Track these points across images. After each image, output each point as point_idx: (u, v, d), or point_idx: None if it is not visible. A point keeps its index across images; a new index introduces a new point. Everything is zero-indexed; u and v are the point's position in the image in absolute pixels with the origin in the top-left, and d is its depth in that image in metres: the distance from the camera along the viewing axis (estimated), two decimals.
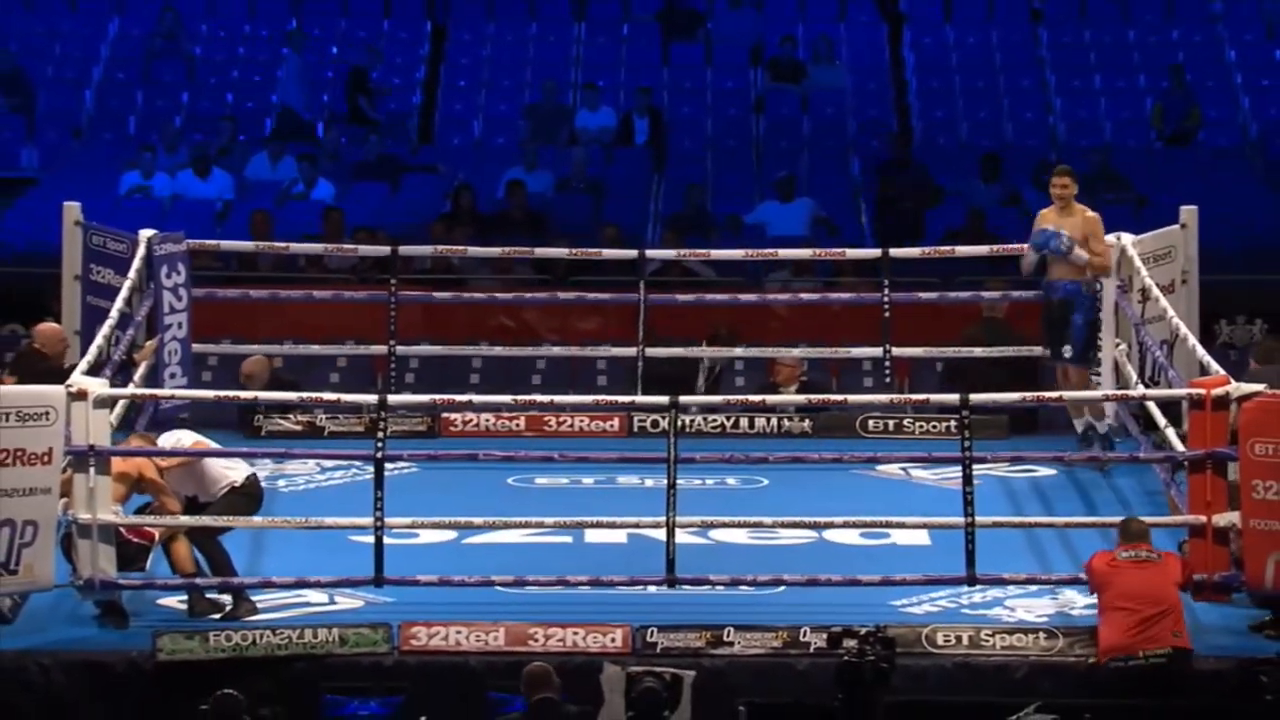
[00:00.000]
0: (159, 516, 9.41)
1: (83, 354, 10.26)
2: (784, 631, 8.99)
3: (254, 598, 9.46)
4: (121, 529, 9.29)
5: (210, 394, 9.85)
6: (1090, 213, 11.32)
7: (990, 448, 11.06)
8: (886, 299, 12.15)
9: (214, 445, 9.78)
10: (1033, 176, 17.26)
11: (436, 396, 10.44)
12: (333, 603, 9.52)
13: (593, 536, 10.16)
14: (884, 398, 11.01)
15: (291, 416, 12.14)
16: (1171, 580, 8.90)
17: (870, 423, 12.14)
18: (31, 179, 17.49)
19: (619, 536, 10.10)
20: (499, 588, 9.40)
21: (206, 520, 9.47)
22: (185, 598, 9.43)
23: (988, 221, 16.03)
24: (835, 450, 11.10)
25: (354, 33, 19.31)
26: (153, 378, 11.46)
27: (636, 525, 9.73)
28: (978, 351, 12.31)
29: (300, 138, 17.87)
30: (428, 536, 10.12)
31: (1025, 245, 11.94)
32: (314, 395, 10.25)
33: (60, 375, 9.96)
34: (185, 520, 9.41)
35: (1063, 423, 12.02)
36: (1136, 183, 17.00)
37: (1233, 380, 9.41)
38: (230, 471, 9.61)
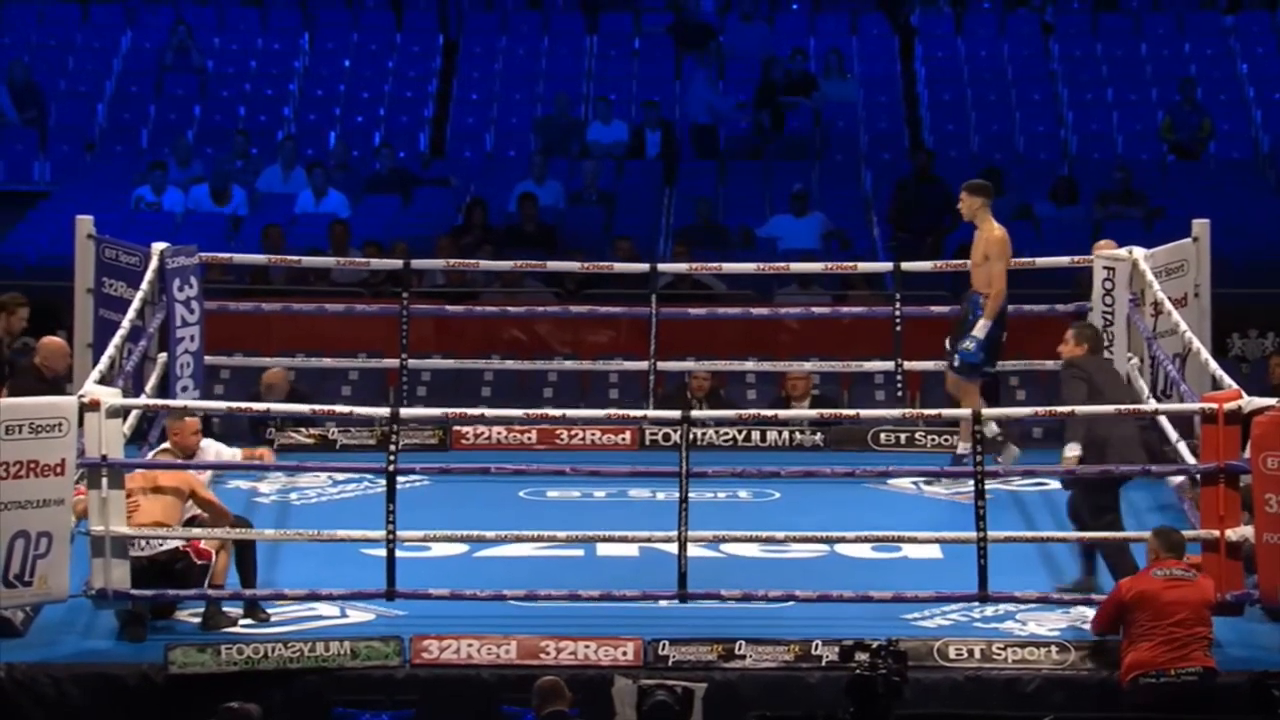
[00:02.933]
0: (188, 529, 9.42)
1: (95, 366, 10.27)
2: (796, 645, 8.98)
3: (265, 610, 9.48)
4: (187, 546, 9.29)
5: (222, 405, 9.87)
6: (994, 231, 11.05)
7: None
8: (898, 313, 12.15)
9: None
10: (1050, 190, 17.27)
11: (448, 410, 10.44)
12: (344, 616, 9.52)
13: (604, 550, 10.15)
14: (896, 412, 10.99)
15: (303, 429, 12.15)
16: (1206, 601, 8.79)
17: (882, 436, 12.14)
18: (44, 192, 17.55)
19: (631, 550, 10.10)
20: (510, 601, 9.40)
21: (219, 533, 9.47)
22: (200, 610, 9.44)
23: None
24: (847, 464, 11.09)
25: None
26: (165, 390, 11.48)
27: (648, 539, 9.73)
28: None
29: (713, 154, 17.81)
30: (439, 549, 10.12)
31: (1035, 259, 11.96)
32: (326, 408, 10.26)
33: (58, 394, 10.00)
34: (197, 532, 9.41)
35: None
36: (1148, 196, 17.01)
37: (1245, 394, 9.39)
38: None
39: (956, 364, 11.20)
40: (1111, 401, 9.68)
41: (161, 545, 9.26)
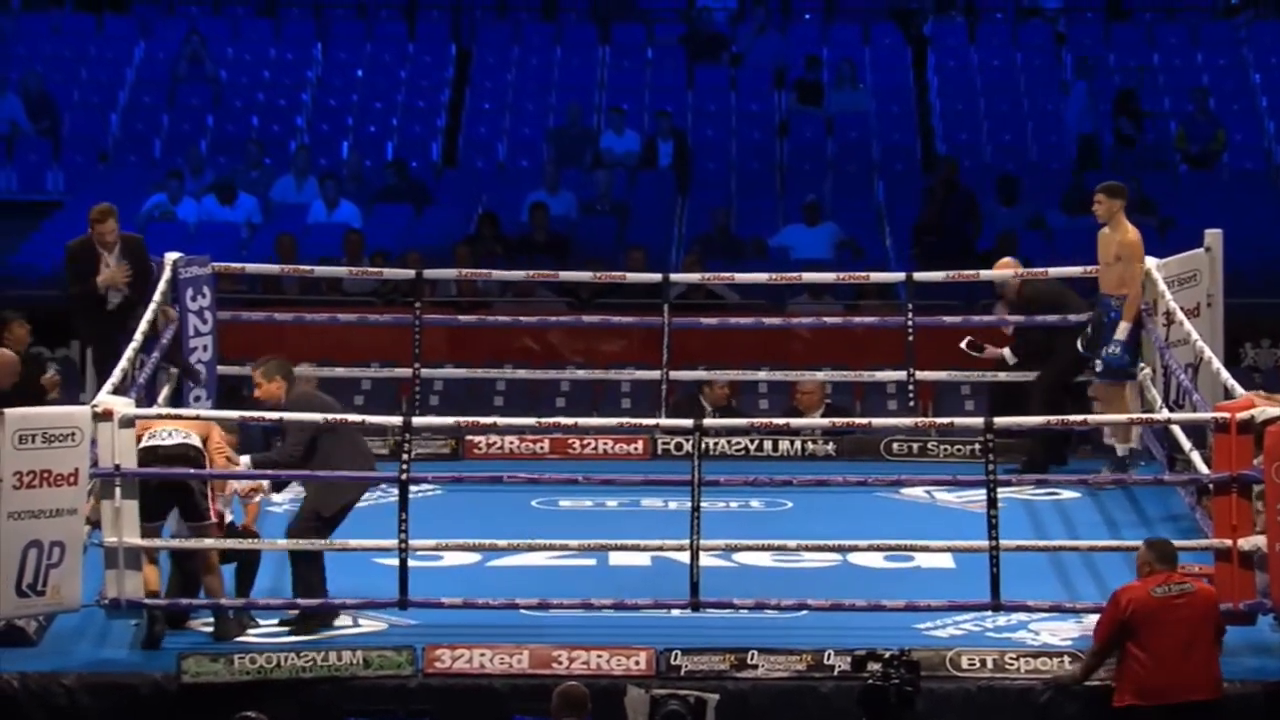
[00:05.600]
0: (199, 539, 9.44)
1: (108, 375, 10.29)
2: (808, 654, 8.97)
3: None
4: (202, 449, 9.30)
5: (235, 415, 9.86)
6: (1131, 234, 11.27)
7: (1014, 471, 11.07)
8: (910, 322, 12.15)
9: None
10: (1062, 199, 17.28)
11: (461, 419, 10.44)
12: (357, 625, 9.53)
13: (616, 559, 10.16)
14: (908, 421, 11.00)
15: None
16: (1209, 613, 8.64)
17: (894, 445, 12.14)
18: (57, 202, 17.59)
19: (643, 559, 10.10)
20: (523, 610, 9.40)
21: (232, 543, 9.49)
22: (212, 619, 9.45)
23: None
24: (859, 473, 11.10)
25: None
26: (179, 400, 11.51)
27: (660, 548, 9.73)
28: (1001, 375, 12.29)
29: (1096, 166, 17.76)
30: (452, 559, 10.14)
31: (1048, 269, 11.99)
32: (338, 417, 10.27)
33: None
34: (209, 543, 9.42)
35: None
36: (1161, 206, 17.01)
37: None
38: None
39: (1100, 369, 11.29)
40: (338, 438, 9.44)
41: (186, 438, 9.25)
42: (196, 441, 9.34)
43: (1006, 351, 11.85)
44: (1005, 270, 11.93)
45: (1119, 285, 11.23)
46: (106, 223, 11.21)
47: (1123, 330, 11.19)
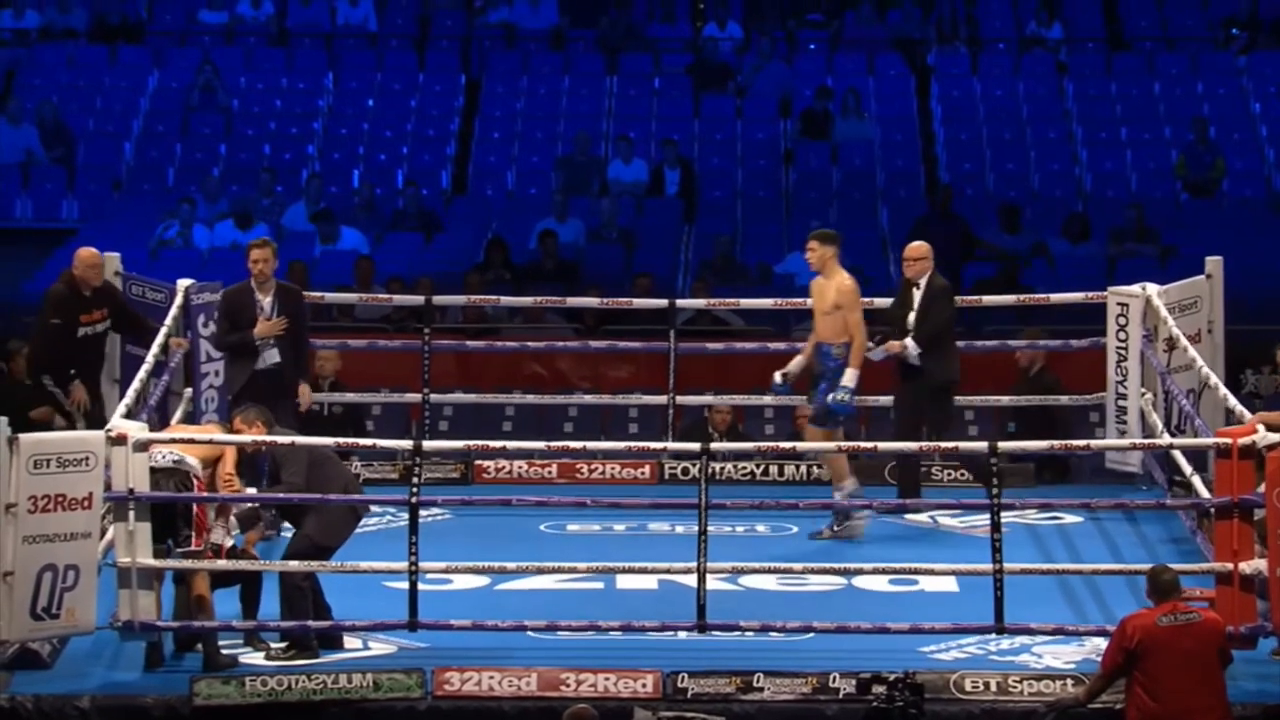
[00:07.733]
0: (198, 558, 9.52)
1: (120, 399, 10.40)
2: (813, 677, 9.03)
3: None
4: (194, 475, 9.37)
5: (246, 439, 9.97)
6: (847, 281, 11.10)
7: (1017, 495, 11.15)
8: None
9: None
10: (1061, 228, 17.41)
11: (470, 443, 10.54)
12: (367, 648, 9.61)
13: (624, 582, 10.25)
14: (912, 445, 11.08)
15: None
16: (1216, 640, 8.61)
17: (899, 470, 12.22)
18: (72, 230, 17.72)
19: (650, 582, 10.18)
20: (531, 633, 9.47)
21: (244, 564, 9.59)
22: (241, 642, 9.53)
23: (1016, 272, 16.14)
24: (863, 497, 11.18)
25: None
26: (191, 424, 11.61)
27: (667, 571, 9.81)
28: (1004, 400, 12.40)
29: None
30: (461, 582, 10.22)
31: (1049, 295, 12.07)
32: (349, 441, 10.38)
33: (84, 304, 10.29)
34: (221, 564, 9.51)
35: (1088, 470, 12.14)
36: (1162, 234, 17.13)
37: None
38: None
39: (821, 416, 11.04)
40: (333, 467, 9.54)
41: (179, 461, 9.28)
42: (191, 464, 9.37)
43: (909, 342, 11.38)
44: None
45: (839, 333, 11.00)
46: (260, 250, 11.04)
47: (850, 377, 10.93)
